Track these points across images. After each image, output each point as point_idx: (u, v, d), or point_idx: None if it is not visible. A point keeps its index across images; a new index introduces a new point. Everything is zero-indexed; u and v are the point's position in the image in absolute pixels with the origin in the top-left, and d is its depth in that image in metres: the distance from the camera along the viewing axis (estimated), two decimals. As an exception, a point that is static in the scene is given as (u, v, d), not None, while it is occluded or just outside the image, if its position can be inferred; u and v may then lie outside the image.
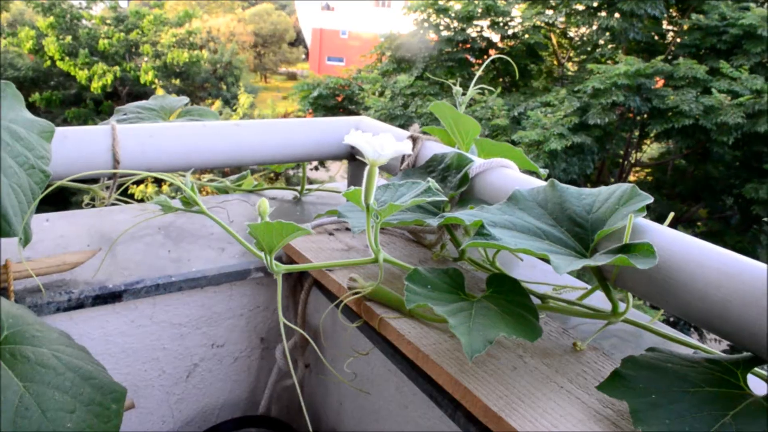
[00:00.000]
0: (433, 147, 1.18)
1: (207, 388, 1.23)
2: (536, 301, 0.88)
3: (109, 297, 1.05)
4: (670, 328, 0.93)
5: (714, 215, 10.64)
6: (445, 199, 0.84)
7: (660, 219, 0.82)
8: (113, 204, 1.39)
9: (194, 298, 1.15)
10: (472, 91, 1.38)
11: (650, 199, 0.80)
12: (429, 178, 0.85)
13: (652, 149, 12.34)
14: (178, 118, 1.48)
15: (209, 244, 1.23)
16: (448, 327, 0.69)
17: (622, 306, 0.84)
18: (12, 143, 0.92)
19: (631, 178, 11.99)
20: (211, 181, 1.65)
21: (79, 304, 1.03)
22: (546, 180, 0.96)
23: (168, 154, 1.19)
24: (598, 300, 0.96)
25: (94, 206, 1.39)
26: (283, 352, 1.16)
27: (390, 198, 0.87)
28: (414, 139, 1.19)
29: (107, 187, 1.37)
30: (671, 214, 0.93)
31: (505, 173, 1.02)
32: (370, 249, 0.90)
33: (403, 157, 1.20)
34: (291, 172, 10.59)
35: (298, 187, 1.59)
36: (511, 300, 0.78)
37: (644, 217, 0.81)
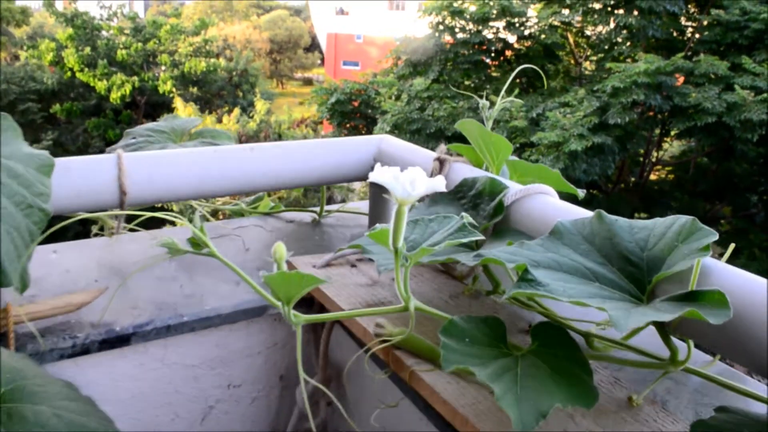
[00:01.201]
0: (462, 170, 1.09)
1: (224, 432, 1.15)
2: (579, 339, 0.78)
3: (116, 341, 0.98)
4: (731, 370, 0.84)
5: (738, 213, 10.44)
6: (482, 237, 0.76)
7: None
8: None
9: (208, 338, 1.07)
10: (500, 103, 1.29)
11: (715, 236, 0.71)
12: (463, 214, 0.77)
13: (673, 147, 12.13)
14: (189, 140, 1.41)
15: (223, 276, 1.16)
16: (494, 397, 0.60)
17: (681, 352, 0.75)
18: (8, 182, 0.85)
19: (653, 176, 11.78)
20: (225, 204, 1.58)
21: (84, 350, 0.95)
22: (590, 207, 0.87)
23: (178, 182, 1.12)
24: (648, 337, 0.87)
25: (103, 235, 1.33)
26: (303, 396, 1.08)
27: (420, 236, 0.79)
28: (441, 162, 1.11)
29: (116, 216, 1.30)
30: (731, 246, 0.83)
31: (544, 201, 0.93)
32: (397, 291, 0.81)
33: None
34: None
35: (317, 209, 1.51)
36: (560, 355, 0.69)
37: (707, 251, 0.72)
